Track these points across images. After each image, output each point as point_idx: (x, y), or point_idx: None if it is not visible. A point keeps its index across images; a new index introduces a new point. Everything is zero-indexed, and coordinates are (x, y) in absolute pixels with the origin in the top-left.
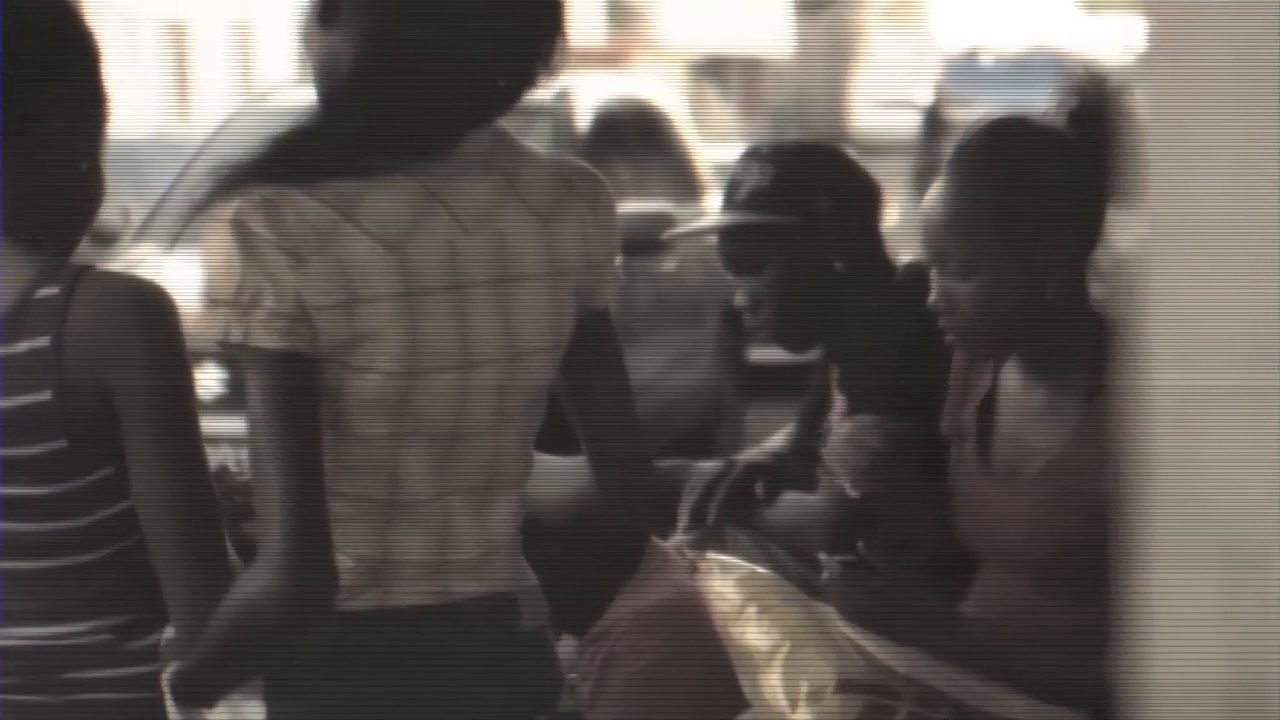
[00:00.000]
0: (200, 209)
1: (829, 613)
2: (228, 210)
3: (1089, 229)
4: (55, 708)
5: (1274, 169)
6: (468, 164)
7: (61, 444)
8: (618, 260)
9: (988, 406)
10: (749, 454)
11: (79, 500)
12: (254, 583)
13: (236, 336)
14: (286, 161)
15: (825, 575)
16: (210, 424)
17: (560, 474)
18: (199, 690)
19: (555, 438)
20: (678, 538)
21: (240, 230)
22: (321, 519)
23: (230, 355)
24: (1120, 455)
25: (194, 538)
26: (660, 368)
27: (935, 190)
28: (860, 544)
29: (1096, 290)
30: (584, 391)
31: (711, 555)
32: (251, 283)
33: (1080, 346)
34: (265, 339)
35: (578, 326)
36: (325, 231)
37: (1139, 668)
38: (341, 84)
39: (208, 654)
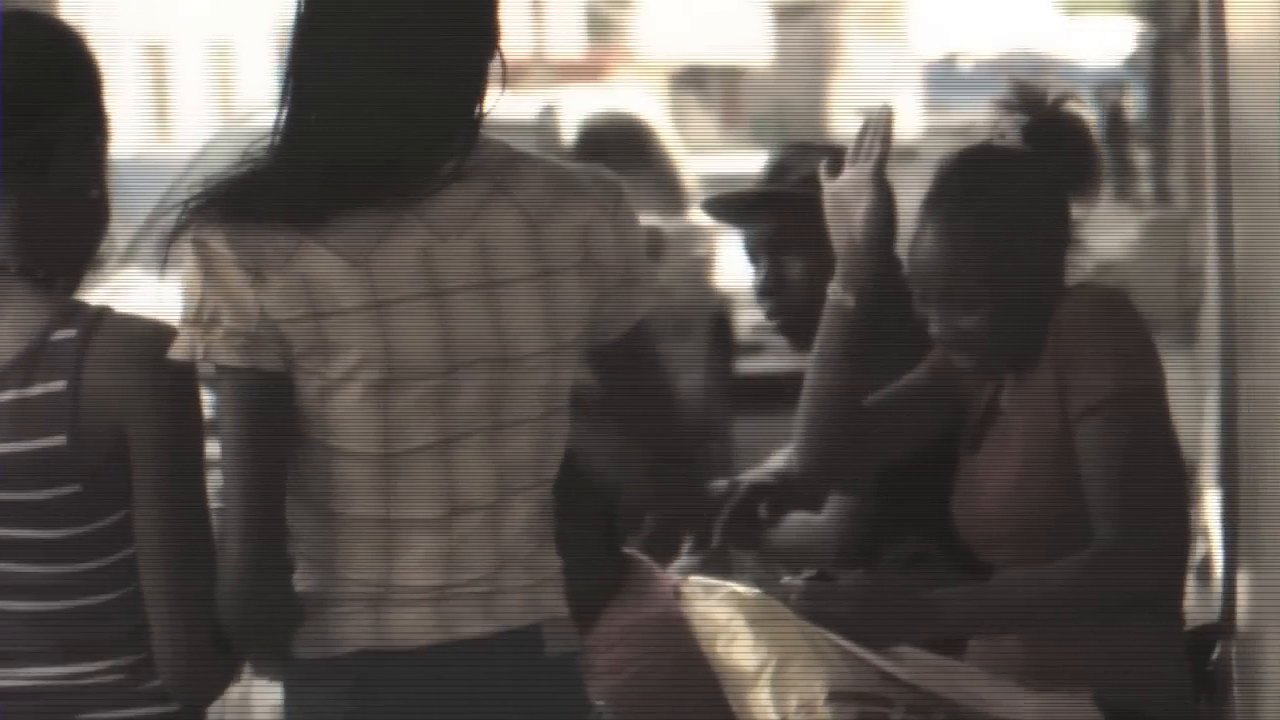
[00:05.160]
0: (173, 236)
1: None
2: (192, 232)
3: (1063, 233)
4: None
5: None
6: (446, 180)
7: (75, 489)
8: (644, 267)
9: (992, 404)
10: (752, 474)
11: (94, 543)
12: (219, 585)
13: (199, 354)
14: (247, 200)
15: (792, 596)
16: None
17: None
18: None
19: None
20: (682, 560)
21: (201, 250)
22: (278, 523)
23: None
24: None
25: (185, 582)
26: None
27: (920, 231)
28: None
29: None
30: (623, 397)
31: (694, 579)
32: (211, 302)
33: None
34: (225, 357)
35: (626, 335)
36: (287, 250)
37: (1249, 666)
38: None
39: None
